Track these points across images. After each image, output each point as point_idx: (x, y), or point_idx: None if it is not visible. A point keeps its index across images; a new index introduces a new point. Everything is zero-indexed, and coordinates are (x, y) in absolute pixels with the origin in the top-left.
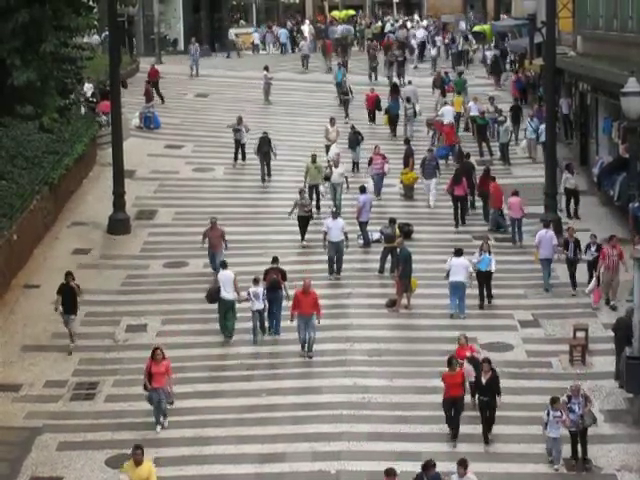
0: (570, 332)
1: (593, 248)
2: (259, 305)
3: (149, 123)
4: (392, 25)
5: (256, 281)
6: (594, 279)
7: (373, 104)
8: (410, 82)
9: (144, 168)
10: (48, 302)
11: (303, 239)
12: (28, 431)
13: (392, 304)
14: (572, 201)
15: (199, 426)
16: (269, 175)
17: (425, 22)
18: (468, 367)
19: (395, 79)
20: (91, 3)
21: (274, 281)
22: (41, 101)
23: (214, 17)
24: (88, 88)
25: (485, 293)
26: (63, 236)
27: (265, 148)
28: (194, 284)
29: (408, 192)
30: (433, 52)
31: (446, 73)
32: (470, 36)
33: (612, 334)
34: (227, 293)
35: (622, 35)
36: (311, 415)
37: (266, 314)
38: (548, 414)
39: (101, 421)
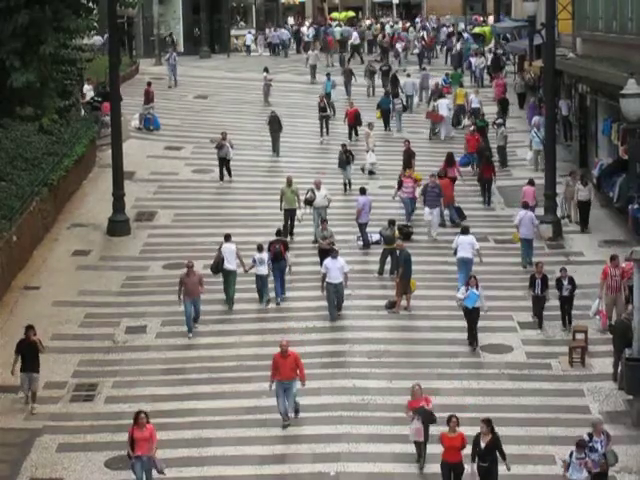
0: (570, 334)
1: (565, 282)
2: (263, 270)
3: (149, 124)
4: (392, 27)
5: (260, 248)
6: (597, 300)
7: (353, 119)
8: (409, 75)
9: (144, 169)
10: (48, 303)
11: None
12: (28, 432)
13: (392, 306)
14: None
15: (198, 427)
16: (277, 153)
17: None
18: (417, 425)
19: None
20: (91, 5)
21: (278, 251)
22: (41, 102)
23: (214, 18)
24: (87, 90)
25: (472, 333)
26: (63, 237)
27: (275, 126)
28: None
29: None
30: (417, 49)
31: (447, 74)
32: (467, 35)
33: (611, 336)
34: (229, 264)
35: (621, 37)
36: (311, 417)
37: (270, 280)
38: (571, 455)
39: (101, 422)
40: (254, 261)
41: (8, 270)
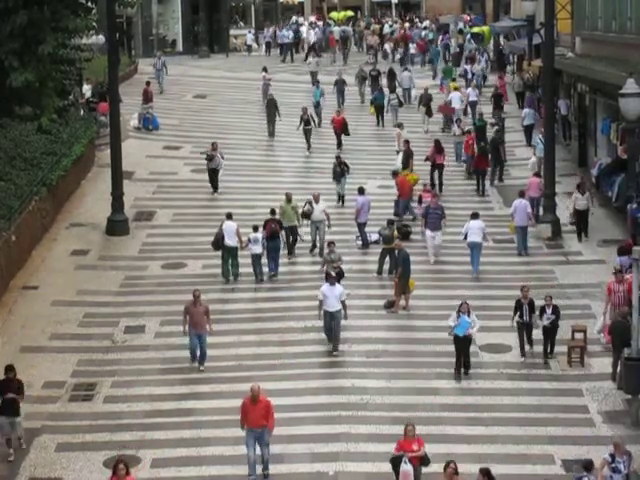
0: (568, 333)
1: (549, 311)
2: (257, 249)
3: (148, 124)
4: (390, 26)
5: (255, 228)
6: (601, 317)
7: (340, 128)
8: (407, 68)
9: (143, 169)
10: (47, 303)
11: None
12: (27, 432)
13: (390, 305)
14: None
15: (197, 427)
16: (272, 136)
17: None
18: (406, 468)
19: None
20: (90, 4)
21: (273, 230)
22: (39, 102)
23: (213, 18)
24: (87, 89)
25: (462, 360)
26: (61, 237)
27: (272, 109)
28: (192, 285)
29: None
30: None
31: (443, 72)
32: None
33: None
34: (230, 240)
35: (621, 36)
36: (309, 416)
37: (265, 260)
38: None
39: (100, 422)
40: (249, 240)
41: (7, 270)
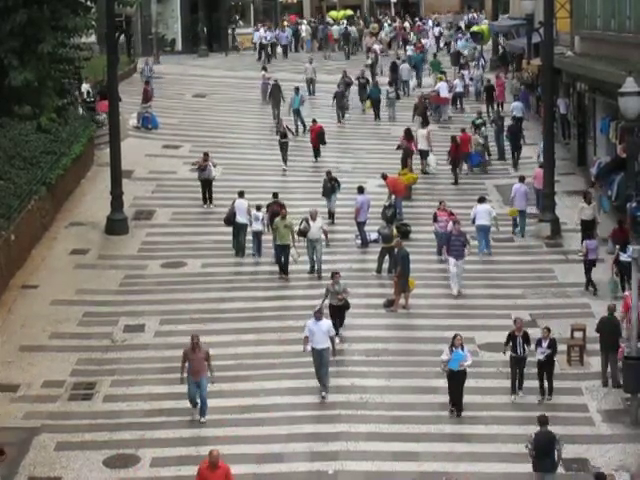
0: (568, 332)
1: (545, 344)
2: (258, 227)
3: (147, 123)
4: (389, 25)
5: (258, 207)
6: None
7: (316, 138)
8: (404, 61)
9: (142, 168)
10: (46, 302)
11: (337, 332)
12: (26, 431)
13: (390, 304)
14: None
15: (196, 426)
16: (276, 118)
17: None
18: None
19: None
20: (89, 3)
21: (276, 212)
22: (39, 101)
23: (212, 17)
24: (86, 88)
25: (456, 398)
26: (61, 236)
27: (276, 95)
28: (192, 284)
29: (406, 192)
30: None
31: (443, 73)
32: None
33: None
34: (241, 217)
35: (620, 35)
36: (309, 415)
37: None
38: None
39: (99, 421)
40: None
41: (6, 269)
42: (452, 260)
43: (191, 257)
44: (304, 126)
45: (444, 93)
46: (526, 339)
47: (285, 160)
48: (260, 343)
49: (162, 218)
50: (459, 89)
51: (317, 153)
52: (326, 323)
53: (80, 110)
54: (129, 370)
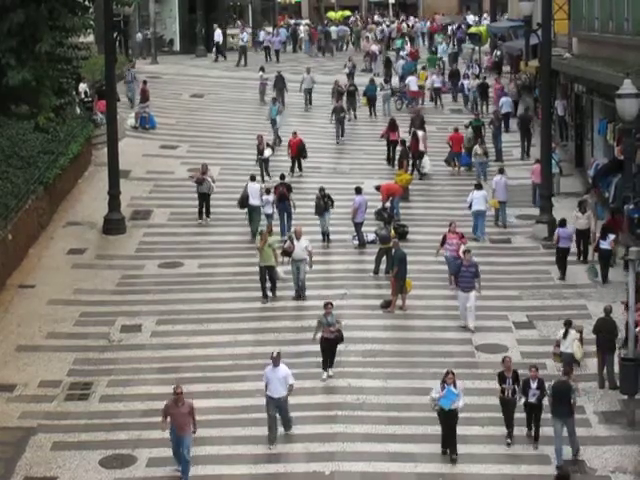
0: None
1: (534, 385)
2: (269, 210)
3: (145, 123)
4: (388, 26)
5: (267, 191)
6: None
7: (296, 151)
8: (403, 57)
9: (139, 168)
10: (43, 302)
11: (325, 369)
12: (22, 431)
13: (387, 305)
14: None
15: None
16: (283, 107)
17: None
18: None
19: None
20: (87, 3)
21: (281, 193)
22: (36, 101)
23: (210, 17)
24: (83, 88)
25: (449, 439)
26: (58, 236)
27: (280, 85)
28: (189, 284)
29: (403, 192)
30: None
31: (443, 73)
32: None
33: None
34: (254, 200)
35: (617, 37)
36: (305, 416)
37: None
38: None
39: (95, 421)
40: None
41: (3, 268)
42: (460, 294)
43: (188, 257)
44: (279, 139)
45: (413, 87)
46: (516, 378)
47: (267, 173)
48: (257, 344)
49: (159, 218)
50: (437, 84)
51: (298, 166)
52: (283, 370)
53: (78, 110)
54: (126, 370)
